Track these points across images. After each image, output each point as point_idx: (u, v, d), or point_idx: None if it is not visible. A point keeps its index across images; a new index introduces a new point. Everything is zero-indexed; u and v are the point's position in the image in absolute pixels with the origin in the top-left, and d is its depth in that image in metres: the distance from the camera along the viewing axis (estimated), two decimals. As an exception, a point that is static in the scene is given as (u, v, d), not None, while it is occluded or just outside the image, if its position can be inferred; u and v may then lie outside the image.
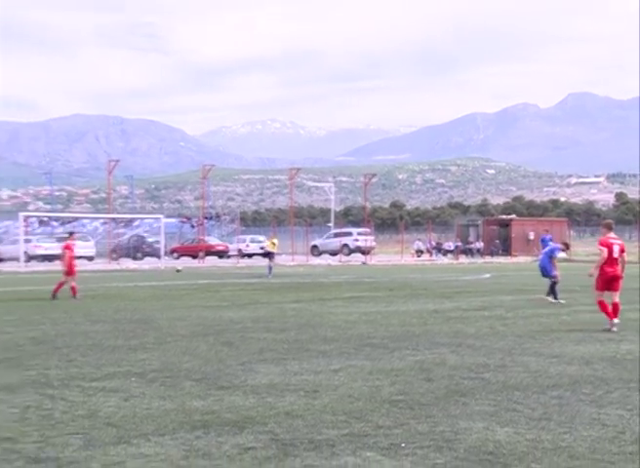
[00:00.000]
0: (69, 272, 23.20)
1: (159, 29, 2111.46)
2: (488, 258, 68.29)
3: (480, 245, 76.01)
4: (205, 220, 78.65)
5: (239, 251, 67.56)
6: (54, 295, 22.41)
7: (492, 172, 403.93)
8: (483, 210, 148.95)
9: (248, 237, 73.17)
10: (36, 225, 73.57)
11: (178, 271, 30.46)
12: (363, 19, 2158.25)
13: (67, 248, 23.75)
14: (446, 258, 70.22)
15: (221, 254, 67.83)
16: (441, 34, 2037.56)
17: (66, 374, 9.42)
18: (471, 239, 79.30)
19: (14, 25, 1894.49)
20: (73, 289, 22.88)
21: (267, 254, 39.66)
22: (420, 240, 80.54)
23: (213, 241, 72.03)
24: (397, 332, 13.56)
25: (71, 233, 26.44)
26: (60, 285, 22.91)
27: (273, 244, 39.78)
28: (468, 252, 74.18)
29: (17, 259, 55.17)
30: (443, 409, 7.36)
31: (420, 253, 76.14)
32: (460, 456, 5.75)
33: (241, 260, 61.61)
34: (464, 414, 7.11)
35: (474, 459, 5.68)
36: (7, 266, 52.26)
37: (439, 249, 77.66)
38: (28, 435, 6.46)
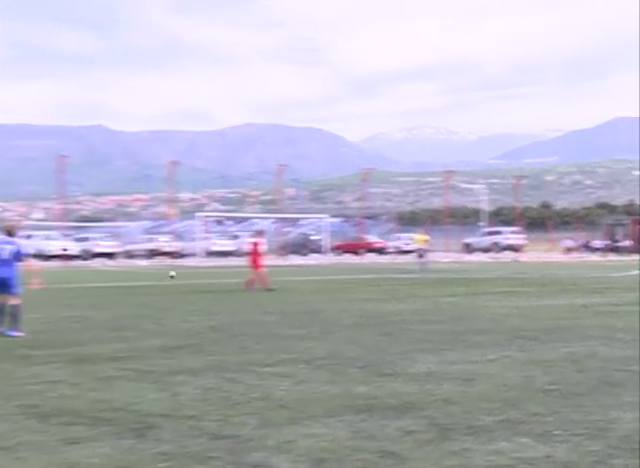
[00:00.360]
0: (256, 266, 23.80)
1: (321, 44, 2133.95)
2: (636, 256, 65.91)
3: (628, 243, 73.60)
4: (365, 220, 79.15)
5: (396, 248, 67.71)
6: (267, 289, 22.85)
7: (638, 173, 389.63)
8: (630, 210, 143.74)
9: (404, 235, 73.21)
10: (214, 224, 75.80)
11: (171, 277, 28.88)
12: (515, 30, 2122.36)
13: (256, 244, 24.38)
14: (594, 256, 68.29)
15: (380, 251, 68.12)
16: (589, 42, 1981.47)
17: (242, 360, 9.63)
18: (619, 237, 77.02)
19: (193, 44, 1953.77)
20: (251, 281, 23.44)
21: (419, 251, 39.55)
22: (569, 238, 78.81)
23: (372, 239, 72.44)
24: (548, 325, 13.23)
25: (261, 231, 27.07)
26: (264, 279, 23.43)
27: (424, 240, 39.62)
28: (616, 249, 71.96)
29: (196, 255, 56.98)
30: (594, 399, 7.15)
31: (569, 250, 74.45)
32: (612, 445, 5.58)
33: (398, 257, 61.62)
34: (615, 405, 6.87)
35: (626, 448, 5.49)
36: (189, 261, 53.94)
37: (588, 246, 75.76)
38: (210, 414, 6.64)
